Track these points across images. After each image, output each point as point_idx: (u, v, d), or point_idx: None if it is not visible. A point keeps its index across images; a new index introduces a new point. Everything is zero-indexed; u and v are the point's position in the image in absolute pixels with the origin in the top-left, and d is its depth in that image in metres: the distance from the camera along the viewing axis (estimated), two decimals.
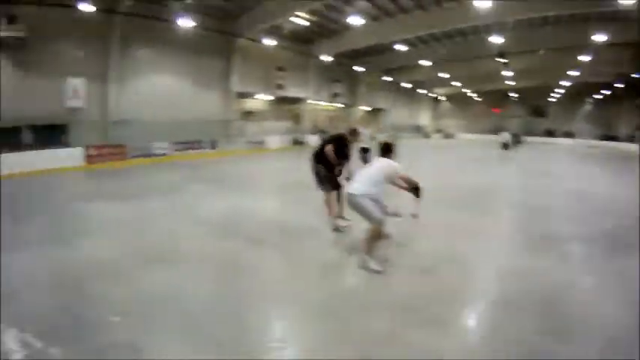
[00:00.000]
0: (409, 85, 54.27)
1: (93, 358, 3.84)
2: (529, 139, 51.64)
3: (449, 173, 18.44)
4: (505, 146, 28.70)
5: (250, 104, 34.59)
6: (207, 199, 12.10)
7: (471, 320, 4.96)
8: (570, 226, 8.86)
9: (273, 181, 16.70)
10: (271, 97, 35.72)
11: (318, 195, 8.76)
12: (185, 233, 8.27)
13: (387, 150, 6.74)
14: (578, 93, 59.53)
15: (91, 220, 9.25)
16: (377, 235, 6.35)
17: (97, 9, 20.24)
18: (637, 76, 42.90)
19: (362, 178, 6.47)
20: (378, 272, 6.09)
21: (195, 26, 24.39)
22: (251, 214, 9.88)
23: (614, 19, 28.94)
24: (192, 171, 18.97)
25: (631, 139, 51.53)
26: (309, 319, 4.69)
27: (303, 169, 9.54)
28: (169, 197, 12.06)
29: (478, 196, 12.49)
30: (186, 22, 23.66)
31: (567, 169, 22.80)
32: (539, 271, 6.18)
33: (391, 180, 6.46)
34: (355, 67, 40.92)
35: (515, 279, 5.90)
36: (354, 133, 8.92)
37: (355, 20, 26.30)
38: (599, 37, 29.11)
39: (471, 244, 7.57)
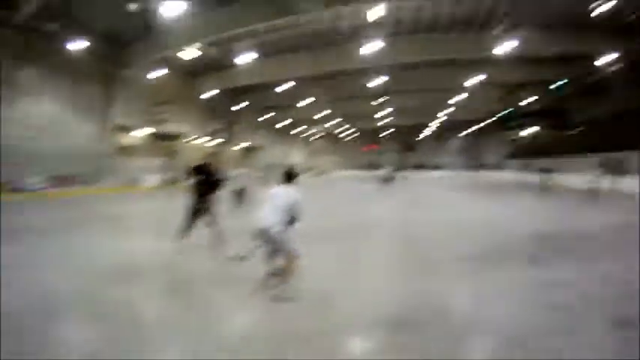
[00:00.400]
0: (285, 123, 55.94)
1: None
2: (403, 173, 54.17)
3: (333, 210, 17.74)
4: (385, 180, 28.84)
5: (129, 138, 32.41)
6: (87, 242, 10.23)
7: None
8: (441, 252, 8.96)
9: (151, 224, 14.76)
10: (150, 132, 33.99)
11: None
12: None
13: (290, 177, 6.41)
14: (448, 129, 66.47)
15: None
16: (292, 267, 6.03)
17: None
18: (503, 113, 48.39)
19: (269, 209, 6.09)
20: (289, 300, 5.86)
21: (82, 50, 23.08)
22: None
23: (487, 62, 32.09)
24: (64, 211, 16.79)
25: (497, 167, 59.31)
26: None
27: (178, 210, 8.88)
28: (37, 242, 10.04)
29: (358, 230, 12.05)
30: (74, 46, 22.44)
31: (442, 199, 23.95)
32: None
33: (296, 210, 6.11)
34: (236, 104, 41.53)
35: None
36: (203, 168, 8.54)
37: (245, 58, 27.04)
38: (472, 80, 31.90)
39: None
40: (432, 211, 17.23)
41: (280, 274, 6.01)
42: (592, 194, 20.31)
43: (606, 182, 23.88)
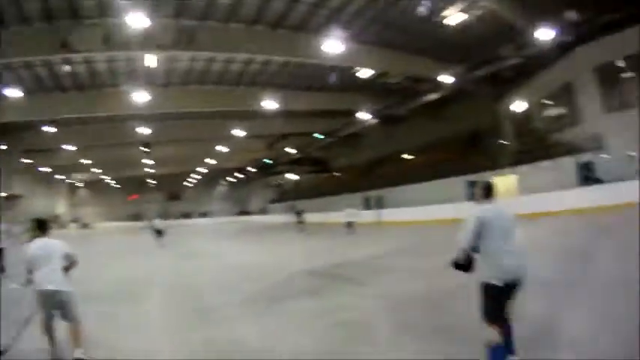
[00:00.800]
0: (48, 170, 51.03)
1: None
2: (171, 222, 52.83)
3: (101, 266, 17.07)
4: (159, 233, 27.37)
5: None
6: None
7: None
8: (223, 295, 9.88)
9: None
10: None
11: None
12: None
13: (44, 227, 5.82)
14: (213, 177, 68.58)
15: None
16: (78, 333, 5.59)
17: None
18: (267, 161, 52.78)
19: (50, 266, 5.49)
20: None
21: None
22: None
23: (253, 115, 35.06)
24: None
25: (263, 211, 63.44)
26: None
27: None
28: None
29: (132, 285, 11.93)
30: None
31: (214, 247, 24.69)
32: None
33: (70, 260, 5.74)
34: None
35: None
36: None
37: (12, 92, 23.94)
38: (239, 132, 36.33)
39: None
40: (210, 259, 17.86)
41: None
42: (349, 227, 24.40)
43: (365, 215, 29.39)
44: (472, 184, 27.02)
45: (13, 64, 22.85)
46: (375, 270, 11.17)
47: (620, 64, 21.66)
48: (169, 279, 12.79)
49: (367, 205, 36.93)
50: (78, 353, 5.37)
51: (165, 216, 56.27)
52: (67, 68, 24.48)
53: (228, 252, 20.71)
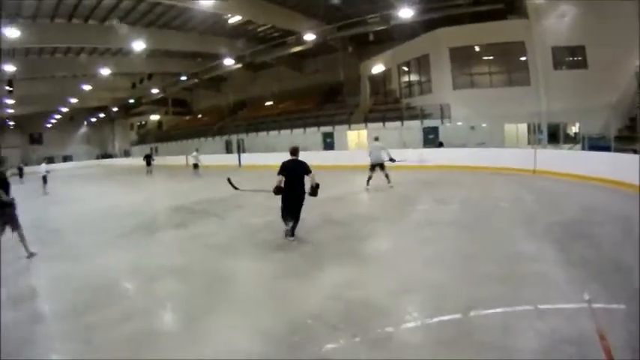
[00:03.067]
0: None
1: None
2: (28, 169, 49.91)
3: None
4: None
5: None
6: None
7: None
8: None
9: None
10: None
11: None
12: None
13: None
14: (74, 117, 65.89)
15: None
16: None
17: None
18: (131, 100, 51.82)
19: None
20: None
21: None
22: None
23: (117, 53, 35.91)
24: None
25: (126, 154, 63.19)
26: None
27: None
28: None
29: None
30: None
31: (83, 191, 24.84)
32: None
33: None
34: None
35: None
36: None
37: None
38: (104, 70, 35.83)
39: None
40: (81, 203, 18.33)
41: None
42: (195, 168, 27.22)
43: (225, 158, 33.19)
44: (328, 135, 30.04)
45: None
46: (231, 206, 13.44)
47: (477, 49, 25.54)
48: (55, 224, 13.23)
49: (228, 148, 38.84)
50: None
51: (25, 162, 53.99)
52: None
53: (97, 195, 21.51)
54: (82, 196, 20.98)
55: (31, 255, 8.42)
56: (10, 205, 8.23)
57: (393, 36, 29.04)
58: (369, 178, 14.87)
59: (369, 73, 32.61)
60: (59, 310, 5.83)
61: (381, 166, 14.68)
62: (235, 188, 10.16)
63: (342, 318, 4.76)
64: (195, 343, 4.46)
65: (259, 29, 32.12)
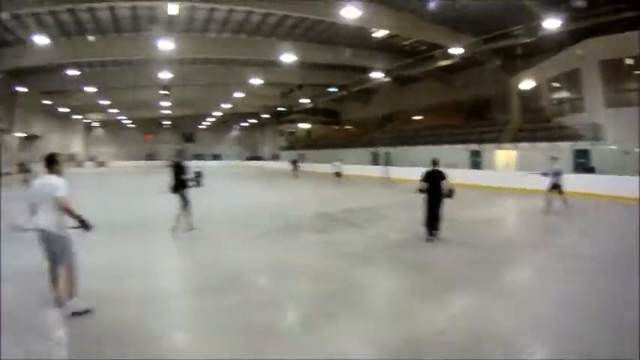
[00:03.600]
0: (66, 110, 52.77)
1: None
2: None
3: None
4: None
5: None
6: None
7: None
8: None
9: None
10: None
11: None
12: None
13: (50, 163, 5.62)
14: (226, 121, 71.95)
15: None
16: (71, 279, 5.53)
17: None
18: (280, 108, 54.42)
19: (46, 206, 5.45)
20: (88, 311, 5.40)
21: None
22: None
23: (268, 65, 36.80)
24: None
25: (274, 157, 66.15)
26: None
27: None
28: None
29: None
30: None
31: (230, 188, 27.04)
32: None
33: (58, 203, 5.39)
34: (17, 87, 37.98)
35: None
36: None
37: (40, 39, 25.45)
38: (255, 80, 37.70)
39: None
40: (228, 198, 20.21)
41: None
42: (337, 176, 28.03)
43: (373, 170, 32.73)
44: (476, 153, 28.93)
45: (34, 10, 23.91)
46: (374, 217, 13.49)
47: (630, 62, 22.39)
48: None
49: (374, 160, 38.50)
50: (70, 303, 5.38)
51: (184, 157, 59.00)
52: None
53: (247, 194, 22.96)
54: (232, 192, 22.83)
55: (191, 228, 10.91)
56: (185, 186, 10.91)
57: (542, 48, 27.25)
58: (549, 201, 13.99)
59: (518, 88, 30.74)
60: (195, 290, 6.75)
61: (559, 188, 13.83)
62: None
63: (462, 343, 4.64)
64: (309, 343, 4.71)
65: (405, 43, 31.86)
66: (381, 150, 37.46)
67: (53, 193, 5.32)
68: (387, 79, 37.28)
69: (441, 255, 8.76)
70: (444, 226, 9.84)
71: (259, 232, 11.21)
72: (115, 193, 24.15)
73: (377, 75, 34.68)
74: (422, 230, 9.87)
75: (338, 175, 28.55)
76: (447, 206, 9.67)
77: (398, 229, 11.44)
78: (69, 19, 26.84)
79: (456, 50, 27.56)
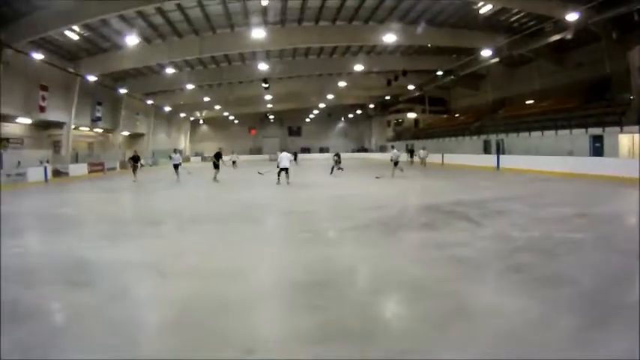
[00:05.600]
0: (169, 109, 56.15)
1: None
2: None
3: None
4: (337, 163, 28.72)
5: (7, 129, 31.49)
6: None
7: None
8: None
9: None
10: (29, 121, 33.23)
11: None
12: None
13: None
14: (331, 114, 72.75)
15: None
16: None
17: None
18: (387, 98, 53.96)
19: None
20: None
21: None
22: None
23: (370, 52, 36.43)
24: None
25: (382, 149, 64.96)
26: None
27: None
28: None
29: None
30: None
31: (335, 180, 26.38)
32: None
33: None
34: (120, 90, 40.94)
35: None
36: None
37: (132, 40, 27.14)
38: (359, 67, 35.42)
39: None
40: (333, 189, 19.61)
41: None
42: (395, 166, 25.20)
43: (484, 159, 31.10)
44: (597, 138, 26.48)
45: (127, 14, 25.56)
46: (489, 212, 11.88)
47: None
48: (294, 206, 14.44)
49: (486, 149, 36.90)
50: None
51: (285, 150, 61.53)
52: None
53: (351, 185, 22.23)
54: (334, 183, 22.38)
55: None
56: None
57: None
58: None
59: (638, 63, 27.86)
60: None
61: None
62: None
63: None
64: None
65: (513, 19, 29.93)
66: (493, 138, 35.91)
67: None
68: (495, 62, 35.47)
69: (586, 264, 6.61)
70: (575, 223, 8.36)
71: (352, 225, 10.42)
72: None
73: (486, 53, 32.70)
74: (553, 230, 8.46)
75: (396, 164, 26.18)
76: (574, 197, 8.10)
77: (519, 228, 9.48)
78: (161, 21, 28.20)
79: (569, 17, 25.14)
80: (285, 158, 21.44)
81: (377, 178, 17.17)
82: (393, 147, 20.82)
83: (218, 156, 26.90)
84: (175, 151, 28.03)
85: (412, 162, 36.20)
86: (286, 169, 21.35)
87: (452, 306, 5.00)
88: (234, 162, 38.11)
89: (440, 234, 9.17)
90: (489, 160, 30.52)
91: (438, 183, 21.80)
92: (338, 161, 27.86)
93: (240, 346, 4.18)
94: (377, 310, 5.14)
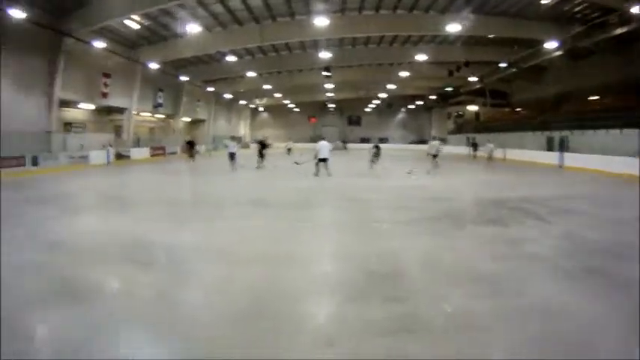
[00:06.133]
0: (230, 96, 57.62)
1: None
2: (349, 145, 62.74)
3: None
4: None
5: (71, 114, 33.47)
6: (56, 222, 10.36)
7: None
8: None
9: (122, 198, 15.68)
10: (92, 107, 34.93)
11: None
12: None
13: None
14: (392, 104, 72.33)
15: None
16: None
17: None
18: (448, 89, 53.13)
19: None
20: None
21: (23, 19, 21.78)
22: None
23: (431, 41, 36.14)
24: (20, 192, 15.92)
25: (442, 141, 61.84)
26: None
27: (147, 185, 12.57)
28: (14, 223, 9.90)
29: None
30: (16, 13, 21.09)
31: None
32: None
33: None
34: (180, 77, 42.11)
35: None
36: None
37: (193, 28, 27.88)
38: (420, 57, 35.05)
39: None
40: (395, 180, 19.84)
41: None
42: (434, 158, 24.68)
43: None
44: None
45: (187, 3, 26.22)
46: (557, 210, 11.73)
47: None
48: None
49: (549, 146, 35.36)
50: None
51: (343, 140, 63.62)
52: None
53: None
54: (392, 174, 22.42)
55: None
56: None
57: None
58: None
59: None
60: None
61: None
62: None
63: None
64: None
65: (575, 9, 28.84)
66: (556, 134, 34.70)
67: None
68: (558, 54, 34.21)
69: None
70: None
71: (418, 217, 10.68)
72: None
73: (549, 45, 31.71)
74: (623, 233, 8.32)
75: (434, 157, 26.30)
76: None
77: (591, 228, 9.25)
78: (221, 10, 28.82)
79: (635, 9, 23.98)
80: (324, 148, 20.58)
81: (408, 173, 16.68)
82: (434, 137, 18.11)
83: (262, 144, 27.32)
84: (233, 138, 27.28)
85: (475, 156, 35.39)
86: (325, 160, 20.51)
87: (525, 303, 5.10)
88: (289, 149, 38.60)
89: (508, 230, 9.25)
90: (552, 157, 29.83)
91: (501, 178, 21.66)
92: (377, 154, 25.97)
93: (319, 337, 4.32)
94: (451, 304, 5.09)
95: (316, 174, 20.56)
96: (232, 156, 25.26)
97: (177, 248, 7.86)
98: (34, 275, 6.18)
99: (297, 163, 23.01)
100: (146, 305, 5.19)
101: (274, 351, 4.02)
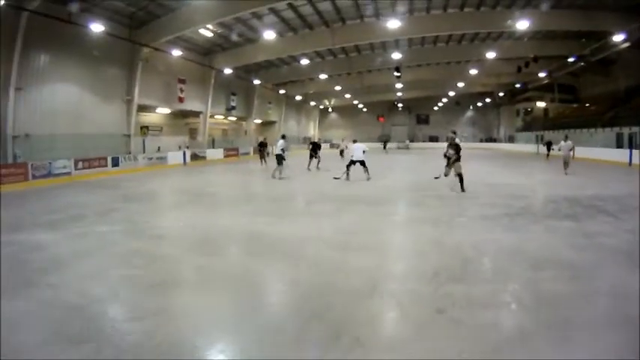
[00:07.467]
0: (300, 98, 59.72)
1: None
2: (415, 144, 64.65)
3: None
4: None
5: (148, 118, 36.39)
6: (157, 218, 11.83)
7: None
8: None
9: (201, 195, 16.93)
10: (168, 111, 37.81)
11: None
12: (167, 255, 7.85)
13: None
14: (460, 102, 72.68)
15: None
16: None
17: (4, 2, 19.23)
18: (518, 86, 52.60)
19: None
20: None
21: (102, 32, 24.29)
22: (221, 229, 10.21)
23: (498, 38, 37.16)
24: (111, 190, 17.70)
25: (510, 139, 64.75)
26: None
27: (225, 182, 14.09)
28: (114, 219, 11.18)
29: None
30: (96, 27, 23.57)
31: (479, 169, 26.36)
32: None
33: None
34: (253, 81, 44.44)
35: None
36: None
37: (268, 35, 29.46)
38: (489, 54, 35.47)
39: None
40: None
41: None
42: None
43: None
44: None
45: (259, 11, 27.92)
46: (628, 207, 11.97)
47: None
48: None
49: (619, 142, 34.98)
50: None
51: (411, 139, 65.70)
52: None
53: (481, 172, 23.38)
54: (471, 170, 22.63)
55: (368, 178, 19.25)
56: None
57: None
58: None
59: None
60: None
61: None
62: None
63: None
64: None
65: None
66: (625, 130, 34.22)
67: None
68: (626, 45, 33.27)
69: None
70: None
71: (502, 212, 11.24)
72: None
73: (618, 38, 30.96)
74: None
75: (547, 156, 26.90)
76: None
77: None
78: (292, 15, 30.43)
79: None
80: (358, 149, 19.70)
81: (436, 178, 16.74)
82: (454, 132, 16.05)
83: (316, 146, 28.03)
84: (283, 136, 23.13)
85: (548, 155, 34.11)
86: (362, 162, 19.62)
87: (605, 286, 5.70)
88: (341, 151, 38.88)
89: (583, 224, 9.74)
90: (622, 154, 29.18)
91: (570, 178, 21.50)
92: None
93: (430, 307, 5.00)
94: (541, 286, 5.70)
95: (347, 178, 19.41)
96: (280, 159, 21.40)
97: (292, 238, 8.78)
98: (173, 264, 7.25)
99: (336, 178, 20.04)
100: (299, 285, 6.02)
101: (368, 329, 4.56)
